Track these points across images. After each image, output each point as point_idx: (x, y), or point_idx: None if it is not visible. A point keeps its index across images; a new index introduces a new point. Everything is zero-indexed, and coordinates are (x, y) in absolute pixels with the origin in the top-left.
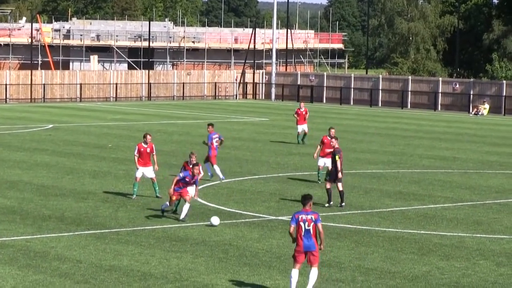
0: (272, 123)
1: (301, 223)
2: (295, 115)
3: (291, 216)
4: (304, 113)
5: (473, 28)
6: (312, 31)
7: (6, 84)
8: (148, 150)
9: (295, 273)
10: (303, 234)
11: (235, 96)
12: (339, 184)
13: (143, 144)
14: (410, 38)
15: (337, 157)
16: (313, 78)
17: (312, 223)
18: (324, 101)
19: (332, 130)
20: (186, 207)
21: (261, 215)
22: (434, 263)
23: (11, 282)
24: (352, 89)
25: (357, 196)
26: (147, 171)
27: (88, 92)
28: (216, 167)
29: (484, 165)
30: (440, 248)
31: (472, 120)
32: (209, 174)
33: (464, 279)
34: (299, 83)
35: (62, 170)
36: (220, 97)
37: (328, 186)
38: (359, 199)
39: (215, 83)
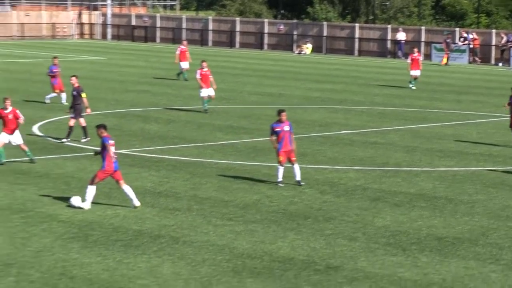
0: (109, 61)
1: (112, 148)
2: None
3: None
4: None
5: None
6: None
7: None
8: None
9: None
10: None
11: (73, 36)
12: (82, 120)
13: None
14: None
15: (83, 95)
16: (147, 19)
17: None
18: (158, 40)
19: (204, 63)
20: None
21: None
22: (263, 192)
23: None
24: (184, 30)
25: (190, 130)
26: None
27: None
28: None
29: (308, 100)
30: (269, 178)
31: (296, 58)
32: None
33: (291, 206)
34: (133, 23)
35: None
36: (58, 37)
37: (72, 123)
38: (192, 133)
39: (53, 23)
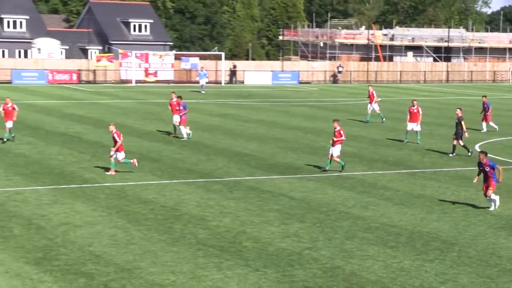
0: None
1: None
2: None
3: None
4: None
5: None
6: None
7: (350, 71)
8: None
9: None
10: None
11: (509, 81)
12: (460, 141)
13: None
14: None
15: (463, 123)
16: None
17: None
18: None
19: None
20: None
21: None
22: None
23: (352, 202)
24: None
25: None
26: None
27: (405, 77)
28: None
29: None
30: None
31: None
32: None
33: None
34: None
35: (387, 128)
36: (497, 81)
37: (454, 143)
38: None
39: (494, 71)
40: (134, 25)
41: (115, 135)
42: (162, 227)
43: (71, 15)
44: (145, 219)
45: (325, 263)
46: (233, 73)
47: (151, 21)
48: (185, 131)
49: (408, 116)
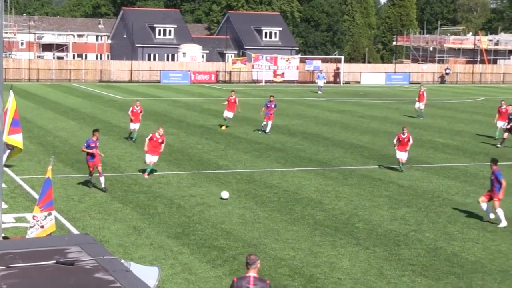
0: None
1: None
2: None
3: None
4: None
5: None
6: None
7: (457, 73)
8: None
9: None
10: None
11: None
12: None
13: None
14: None
15: None
16: None
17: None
18: None
19: None
20: None
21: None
22: None
23: (454, 190)
24: None
25: None
26: None
27: (508, 78)
28: None
29: None
30: None
31: None
32: None
33: None
34: None
35: (489, 125)
36: None
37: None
38: None
39: None
40: (266, 32)
41: (164, 139)
42: (284, 209)
43: (212, 24)
44: (269, 201)
45: (428, 244)
46: (336, 74)
47: (280, 28)
48: (269, 126)
49: (497, 115)
